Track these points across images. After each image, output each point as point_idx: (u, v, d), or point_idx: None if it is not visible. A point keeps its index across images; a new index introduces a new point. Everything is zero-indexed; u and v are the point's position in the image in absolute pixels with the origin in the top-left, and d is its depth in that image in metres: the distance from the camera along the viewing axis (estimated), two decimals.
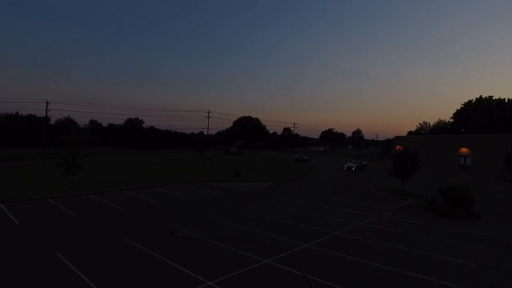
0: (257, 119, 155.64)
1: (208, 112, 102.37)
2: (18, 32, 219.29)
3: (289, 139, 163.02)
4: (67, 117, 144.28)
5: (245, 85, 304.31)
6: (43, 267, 12.43)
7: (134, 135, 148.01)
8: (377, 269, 12.77)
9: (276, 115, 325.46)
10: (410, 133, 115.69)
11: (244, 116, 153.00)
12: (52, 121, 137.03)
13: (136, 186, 31.75)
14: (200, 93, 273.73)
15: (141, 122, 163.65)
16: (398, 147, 67.74)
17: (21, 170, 50.74)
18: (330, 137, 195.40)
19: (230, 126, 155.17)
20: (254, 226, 18.69)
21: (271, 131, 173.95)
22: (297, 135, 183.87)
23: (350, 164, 59.50)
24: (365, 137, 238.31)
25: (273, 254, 14.07)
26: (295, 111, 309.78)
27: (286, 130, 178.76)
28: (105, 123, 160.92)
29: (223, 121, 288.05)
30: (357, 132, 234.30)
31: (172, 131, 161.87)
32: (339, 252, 14.56)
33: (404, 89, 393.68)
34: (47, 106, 70.82)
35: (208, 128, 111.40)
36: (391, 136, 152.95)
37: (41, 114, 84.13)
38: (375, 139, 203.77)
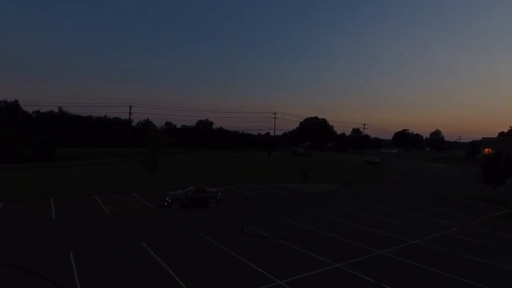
0: (324, 120, 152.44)
1: (275, 113, 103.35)
2: (106, 41, 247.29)
3: (359, 140, 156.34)
4: (146, 119, 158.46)
5: (311, 85, 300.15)
6: (130, 254, 13.80)
7: (204, 136, 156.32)
8: (460, 283, 11.52)
9: (344, 115, 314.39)
10: (501, 134, 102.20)
11: (310, 117, 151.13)
12: (134, 123, 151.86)
13: (208, 185, 33.39)
14: (267, 94, 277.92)
15: (211, 123, 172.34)
16: (486, 150, 60.35)
17: (109, 167, 57.06)
18: (405, 139, 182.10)
19: (296, 127, 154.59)
20: (323, 228, 18.31)
21: (338, 132, 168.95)
22: (367, 136, 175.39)
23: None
24: (446, 139, 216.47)
25: (345, 259, 13.61)
26: (364, 111, 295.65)
27: (355, 131, 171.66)
28: (179, 125, 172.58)
29: (289, 122, 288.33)
30: (436, 133, 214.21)
31: (240, 132, 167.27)
32: (418, 263, 13.47)
33: (493, 86, 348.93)
34: (130, 110, 78.78)
35: (274, 129, 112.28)
36: (477, 138, 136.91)
37: (125, 116, 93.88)
38: (457, 140, 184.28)
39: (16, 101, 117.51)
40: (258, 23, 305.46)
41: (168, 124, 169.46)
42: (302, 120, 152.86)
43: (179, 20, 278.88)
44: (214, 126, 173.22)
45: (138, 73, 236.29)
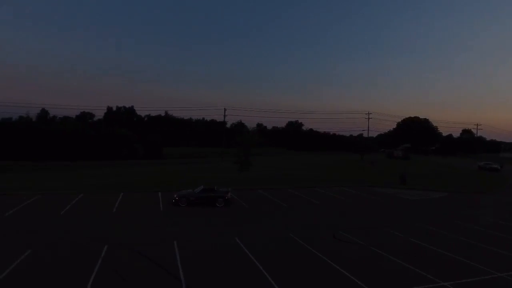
0: (425, 120, 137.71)
1: (368, 113, 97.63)
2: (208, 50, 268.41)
3: (470, 143, 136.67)
4: (239, 121, 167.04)
5: (409, 82, 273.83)
6: (226, 250, 14.55)
7: (294, 137, 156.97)
8: None
9: (450, 115, 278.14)
10: None
11: (409, 117, 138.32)
12: (228, 125, 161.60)
13: (299, 185, 33.33)
14: (360, 93, 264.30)
15: (301, 125, 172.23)
16: None
17: (206, 166, 61.71)
18: None
19: (393, 128, 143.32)
20: (426, 240, 16.37)
21: (444, 133, 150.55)
22: (481, 138, 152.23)
23: None
24: None
25: (453, 277, 11.88)
26: (477, 109, 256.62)
27: (466, 132, 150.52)
28: (269, 126, 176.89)
29: (384, 123, 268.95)
30: None
31: (331, 133, 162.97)
32: None
33: None
34: (224, 112, 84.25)
35: (368, 130, 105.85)
36: None
37: (221, 119, 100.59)
38: None
39: (132, 106, 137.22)
40: (353, 21, 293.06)
41: (259, 125, 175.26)
42: (400, 120, 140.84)
43: (269, 25, 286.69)
44: (304, 128, 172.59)
45: (232, 79, 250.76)
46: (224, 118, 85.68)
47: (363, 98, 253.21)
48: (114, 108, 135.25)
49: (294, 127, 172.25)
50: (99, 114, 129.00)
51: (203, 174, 43.28)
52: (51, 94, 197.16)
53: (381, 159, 78.52)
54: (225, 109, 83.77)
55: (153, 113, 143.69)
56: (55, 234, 15.94)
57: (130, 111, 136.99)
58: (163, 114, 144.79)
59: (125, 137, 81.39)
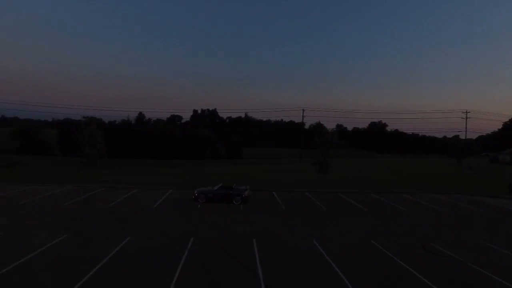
0: None
1: (466, 112, 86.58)
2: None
3: None
4: (317, 122, 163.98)
5: None
6: (303, 253, 14.31)
7: (377, 138, 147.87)
8: None
9: None
10: None
11: None
12: (307, 126, 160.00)
13: (383, 190, 31.21)
14: (455, 90, 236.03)
15: (385, 125, 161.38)
16: None
17: (284, 167, 61.99)
18: None
19: (498, 129, 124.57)
20: None
21: None
22: None
23: None
24: None
25: None
26: None
27: None
28: (349, 127, 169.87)
29: (486, 123, 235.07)
30: None
31: (419, 134, 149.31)
32: None
33: None
34: (303, 113, 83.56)
35: (466, 131, 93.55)
36: None
37: (298, 120, 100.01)
38: None
39: (215, 109, 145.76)
40: (443, 14, 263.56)
41: (339, 126, 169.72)
42: (508, 120, 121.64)
43: (348, 25, 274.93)
44: (388, 129, 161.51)
45: (311, 79, 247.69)
46: (303, 119, 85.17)
47: (459, 96, 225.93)
48: (199, 111, 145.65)
49: (377, 128, 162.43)
50: (186, 116, 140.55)
51: (282, 174, 43.56)
52: (147, 99, 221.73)
53: (483, 164, 68.90)
54: (303, 110, 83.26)
55: (234, 115, 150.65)
56: (150, 224, 17.70)
57: (213, 113, 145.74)
58: (243, 116, 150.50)
59: (208, 138, 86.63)
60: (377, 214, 21.98)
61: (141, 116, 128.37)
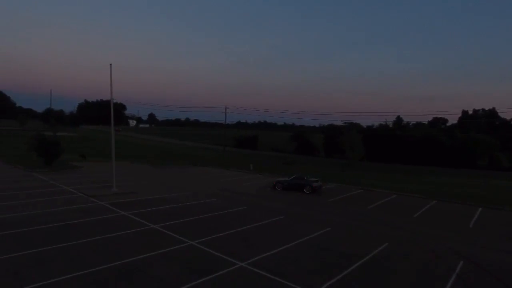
0: None
1: None
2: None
3: None
4: None
5: None
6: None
7: None
8: None
9: None
10: None
11: None
12: None
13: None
14: None
15: None
16: None
17: None
18: None
19: None
20: None
21: None
22: None
23: None
24: None
25: None
26: None
27: None
28: None
29: None
30: None
31: None
32: None
33: None
34: None
35: None
36: None
37: None
38: None
39: (494, 108, 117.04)
40: None
41: None
42: None
43: None
44: None
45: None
46: None
47: None
48: (471, 112, 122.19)
49: None
50: (453, 119, 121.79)
51: None
52: (405, 102, 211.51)
53: None
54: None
55: None
56: (409, 233, 16.22)
57: (491, 114, 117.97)
58: None
59: (484, 143, 71.04)
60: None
61: (399, 120, 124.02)
